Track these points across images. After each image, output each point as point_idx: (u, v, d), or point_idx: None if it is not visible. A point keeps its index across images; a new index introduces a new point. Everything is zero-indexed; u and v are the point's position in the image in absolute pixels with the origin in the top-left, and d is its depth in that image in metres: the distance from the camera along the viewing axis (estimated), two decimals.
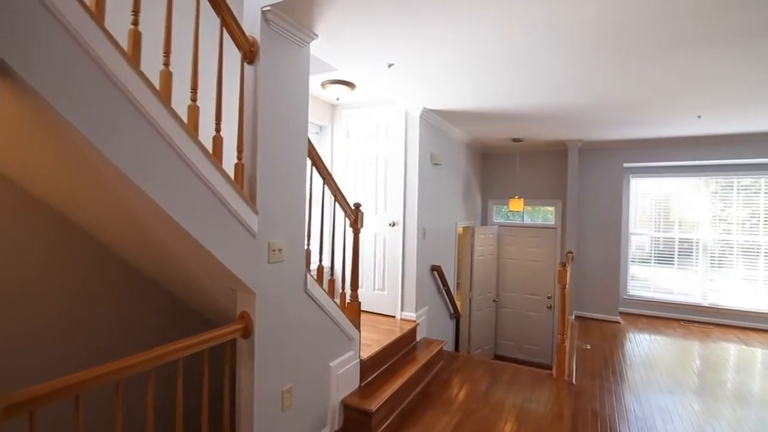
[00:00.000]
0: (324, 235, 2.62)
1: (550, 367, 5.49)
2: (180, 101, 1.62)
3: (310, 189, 2.37)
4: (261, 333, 1.90)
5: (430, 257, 4.08)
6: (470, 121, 4.19)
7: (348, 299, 2.76)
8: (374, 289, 3.91)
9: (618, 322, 5.27)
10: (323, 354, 2.39)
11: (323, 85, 3.38)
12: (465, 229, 5.50)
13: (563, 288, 3.41)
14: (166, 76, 1.50)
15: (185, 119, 1.58)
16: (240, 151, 1.85)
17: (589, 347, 4.27)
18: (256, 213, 1.85)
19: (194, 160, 1.54)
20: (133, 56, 1.38)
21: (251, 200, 1.86)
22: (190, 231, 1.53)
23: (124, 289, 2.33)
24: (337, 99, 3.46)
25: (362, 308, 3.93)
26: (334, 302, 2.46)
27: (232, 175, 1.81)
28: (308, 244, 2.36)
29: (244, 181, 1.86)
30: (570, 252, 5.00)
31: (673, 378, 3.60)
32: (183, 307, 2.63)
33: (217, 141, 1.72)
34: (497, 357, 5.91)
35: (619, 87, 2.99)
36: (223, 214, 1.68)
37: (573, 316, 5.34)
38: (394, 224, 3.79)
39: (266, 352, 1.94)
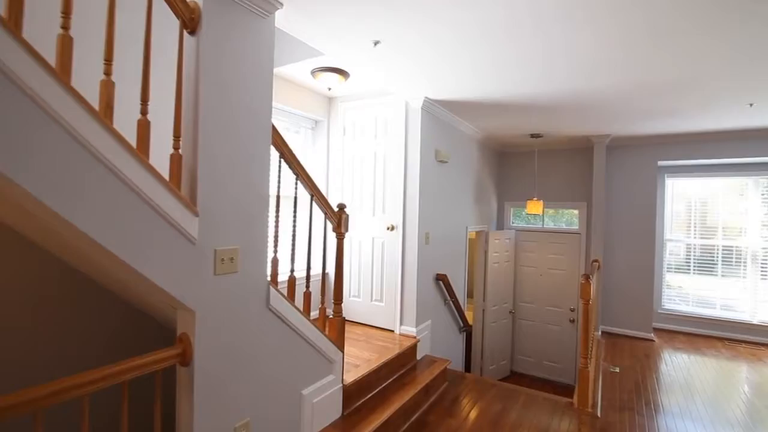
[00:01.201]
0: (308, 242, 2.27)
1: (572, 388, 4.96)
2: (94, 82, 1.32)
3: (278, 186, 2.04)
4: (203, 359, 1.57)
5: (435, 265, 3.67)
6: (480, 113, 3.77)
7: (330, 314, 2.40)
8: (372, 300, 3.54)
9: (651, 340, 4.69)
10: (293, 380, 2.03)
11: (313, 73, 3.05)
12: (478, 233, 5.05)
13: (586, 303, 2.94)
14: (64, 43, 1.19)
15: (98, 99, 1.28)
16: (177, 138, 1.53)
17: (617, 370, 3.75)
18: (196, 214, 1.52)
19: (102, 149, 1.22)
20: (10, 19, 1.08)
21: (191, 199, 1.54)
22: (95, 237, 1.21)
23: (33, 277, 1.86)
24: (329, 89, 3.13)
25: (359, 321, 3.59)
26: (308, 319, 2.11)
27: (167, 167, 1.50)
28: (275, 252, 2.02)
29: (182, 175, 1.54)
30: (596, 260, 4.48)
31: (718, 409, 3.05)
32: (137, 310, 2.32)
33: (143, 126, 1.40)
34: (514, 373, 5.42)
35: (651, 67, 2.51)
36: (147, 215, 1.35)
37: (599, 332, 4.79)
38: (392, 228, 3.41)
39: (212, 382, 1.61)
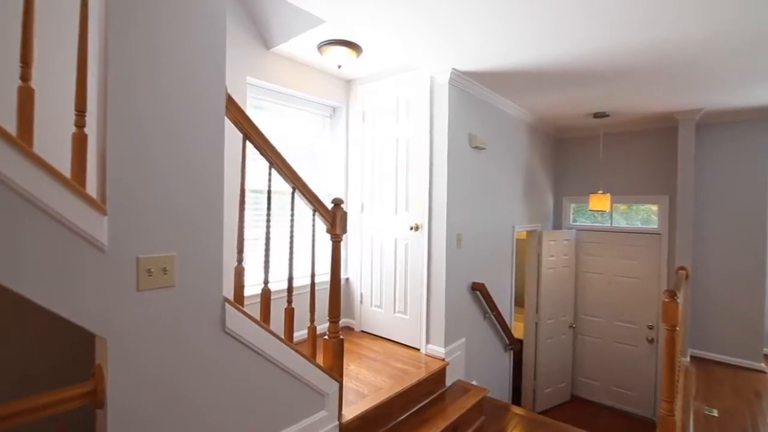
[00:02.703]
0: (290, 246, 1.86)
1: (650, 423, 4.07)
2: None
3: (242, 176, 1.64)
4: (122, 399, 1.20)
5: (470, 272, 3.08)
6: (525, 87, 3.09)
7: (326, 334, 1.96)
8: (395, 312, 3.05)
9: (762, 371, 3.66)
10: (267, 422, 1.62)
11: (320, 49, 2.65)
12: (528, 233, 4.33)
13: (672, 330, 2.19)
14: None
15: None
16: (80, 114, 1.17)
17: (715, 413, 2.88)
18: (104, 213, 1.15)
19: None
20: None
21: (101, 191, 1.17)
22: None
23: None
24: (339, 66, 2.69)
25: (381, 335, 3.12)
26: (287, 343, 1.68)
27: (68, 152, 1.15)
28: (240, 259, 1.62)
29: (87, 160, 1.18)
30: (682, 267, 3.57)
31: None
32: None
33: (26, 96, 1.06)
34: (575, 398, 4.61)
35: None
36: (24, 213, 1.00)
37: (687, 358, 3.85)
38: (417, 228, 2.89)
39: (137, 429, 1.24)
